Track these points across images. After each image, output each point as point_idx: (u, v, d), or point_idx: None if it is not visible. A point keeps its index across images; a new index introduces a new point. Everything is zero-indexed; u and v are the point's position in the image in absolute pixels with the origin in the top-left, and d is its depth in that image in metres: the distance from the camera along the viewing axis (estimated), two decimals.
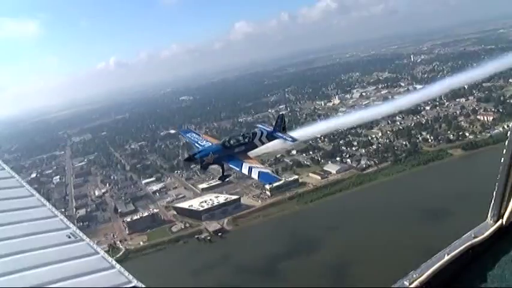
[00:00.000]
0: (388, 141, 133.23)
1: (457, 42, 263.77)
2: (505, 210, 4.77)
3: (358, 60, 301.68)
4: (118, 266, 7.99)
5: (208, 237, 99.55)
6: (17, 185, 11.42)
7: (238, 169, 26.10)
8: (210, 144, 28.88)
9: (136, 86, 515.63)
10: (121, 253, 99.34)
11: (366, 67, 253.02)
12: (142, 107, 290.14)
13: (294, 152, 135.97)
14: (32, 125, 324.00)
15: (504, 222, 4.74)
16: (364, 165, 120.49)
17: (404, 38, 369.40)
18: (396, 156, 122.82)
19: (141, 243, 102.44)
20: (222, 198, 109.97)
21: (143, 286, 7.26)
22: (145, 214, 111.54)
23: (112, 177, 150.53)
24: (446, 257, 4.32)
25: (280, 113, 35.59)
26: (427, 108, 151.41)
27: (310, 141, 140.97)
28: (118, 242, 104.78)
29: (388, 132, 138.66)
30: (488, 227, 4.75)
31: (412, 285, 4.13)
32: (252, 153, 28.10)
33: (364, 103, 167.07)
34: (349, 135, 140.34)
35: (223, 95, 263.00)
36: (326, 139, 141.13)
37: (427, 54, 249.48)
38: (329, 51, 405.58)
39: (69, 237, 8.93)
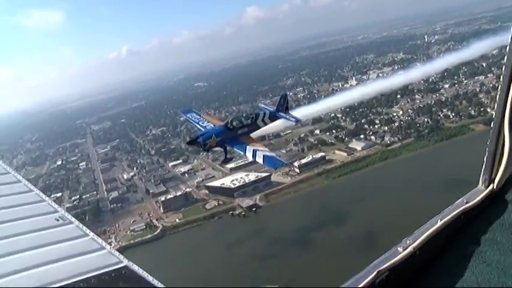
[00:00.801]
0: (409, 118, 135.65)
1: (471, 21, 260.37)
2: (496, 175, 4.82)
3: (370, 42, 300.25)
4: (108, 247, 8.17)
5: (243, 213, 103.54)
6: (3, 171, 11.49)
7: (242, 152, 25.69)
8: (212, 125, 28.37)
9: (147, 74, 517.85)
10: (158, 230, 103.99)
11: (379, 49, 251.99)
12: (157, 95, 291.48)
13: (317, 131, 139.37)
14: (48, 116, 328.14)
15: (495, 187, 4.81)
16: (388, 142, 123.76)
17: (416, 18, 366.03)
18: (419, 132, 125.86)
19: (177, 220, 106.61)
20: (252, 176, 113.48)
21: (134, 265, 7.45)
22: (179, 193, 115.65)
23: (138, 162, 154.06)
24: (440, 223, 4.43)
25: (283, 92, 32.55)
26: (446, 86, 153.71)
27: (333, 121, 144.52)
28: (154, 220, 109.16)
29: (409, 110, 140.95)
30: (480, 192, 4.84)
31: (405, 251, 4.26)
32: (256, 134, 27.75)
33: None
34: (370, 114, 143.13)
35: (238, 80, 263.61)
36: (348, 118, 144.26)
37: (441, 34, 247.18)
38: (340, 34, 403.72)
39: (58, 220, 8.97)
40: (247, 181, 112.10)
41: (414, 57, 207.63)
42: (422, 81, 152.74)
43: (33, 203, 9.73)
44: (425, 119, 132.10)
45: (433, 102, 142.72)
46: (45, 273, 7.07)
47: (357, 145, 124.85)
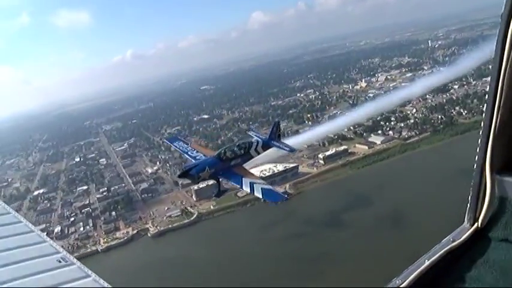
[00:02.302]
0: (423, 115, 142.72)
1: (473, 27, 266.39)
2: (480, 214, 4.94)
3: (373, 47, 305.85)
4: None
5: None
6: (3, 212, 11.36)
7: (238, 185, 24.95)
8: (202, 155, 27.81)
9: (150, 79, 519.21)
10: (194, 216, 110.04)
11: (384, 53, 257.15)
12: (164, 97, 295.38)
13: None
14: (55, 118, 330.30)
15: (479, 225, 4.94)
16: (406, 136, 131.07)
17: (417, 24, 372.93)
18: (434, 127, 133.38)
19: (211, 207, 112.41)
20: (281, 167, 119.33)
21: None
22: (211, 183, 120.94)
23: (160, 157, 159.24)
24: (427, 262, 4.54)
25: (276, 119, 33.90)
26: (455, 87, 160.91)
27: None
28: (189, 207, 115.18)
29: (422, 108, 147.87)
30: (466, 230, 4.97)
31: None
32: None
33: (391, 85, 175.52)
34: (384, 112, 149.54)
35: (246, 83, 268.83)
36: None
37: (444, 40, 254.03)
38: (342, 39, 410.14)
39: (60, 261, 8.92)
40: (275, 171, 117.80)
41: (420, 61, 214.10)
42: None
43: (35, 244, 9.66)
44: (439, 116, 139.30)
45: (444, 101, 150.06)
46: None
47: (376, 139, 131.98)
